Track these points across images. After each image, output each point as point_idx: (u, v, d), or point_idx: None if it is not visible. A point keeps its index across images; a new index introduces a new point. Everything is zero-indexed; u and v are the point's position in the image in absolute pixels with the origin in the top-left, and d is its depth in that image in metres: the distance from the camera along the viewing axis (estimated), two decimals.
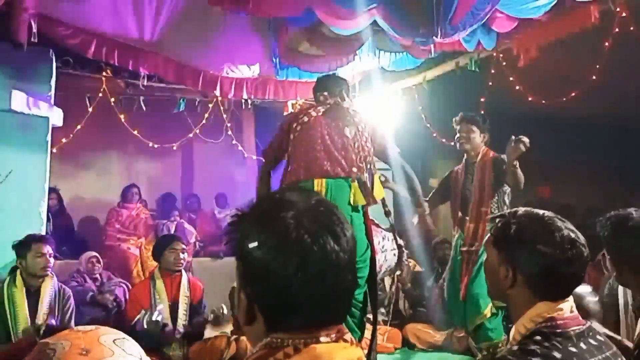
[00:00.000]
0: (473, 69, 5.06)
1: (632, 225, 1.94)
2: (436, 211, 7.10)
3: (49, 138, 4.52)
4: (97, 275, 4.98)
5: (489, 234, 1.45)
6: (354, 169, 2.99)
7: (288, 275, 0.84)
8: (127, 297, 4.67)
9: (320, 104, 3.21)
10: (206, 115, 6.36)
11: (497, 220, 1.43)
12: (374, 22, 3.71)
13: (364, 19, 3.63)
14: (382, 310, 5.38)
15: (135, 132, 6.08)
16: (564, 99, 4.67)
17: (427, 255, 5.60)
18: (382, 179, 3.40)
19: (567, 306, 1.32)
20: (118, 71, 5.28)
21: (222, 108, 6.50)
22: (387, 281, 5.41)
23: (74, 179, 6.69)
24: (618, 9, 3.84)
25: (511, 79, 4.93)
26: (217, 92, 5.26)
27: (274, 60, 4.73)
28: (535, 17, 3.78)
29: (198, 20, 4.18)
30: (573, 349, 1.23)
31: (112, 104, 5.70)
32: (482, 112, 4.54)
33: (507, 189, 3.69)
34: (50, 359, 0.96)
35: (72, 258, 5.35)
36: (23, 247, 3.54)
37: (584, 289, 2.36)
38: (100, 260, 5.09)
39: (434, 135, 6.10)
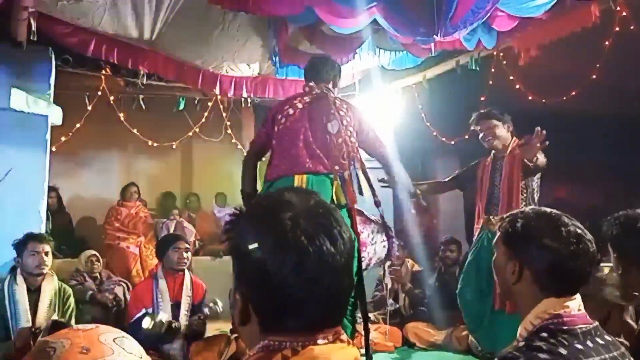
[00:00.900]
0: (473, 67, 5.06)
1: None
2: (440, 211, 7.08)
3: (48, 136, 4.51)
4: (97, 274, 4.99)
5: (498, 233, 1.47)
6: (336, 167, 2.93)
7: (284, 277, 0.84)
8: (127, 295, 4.68)
9: (306, 93, 3.14)
10: (206, 114, 6.37)
11: (506, 218, 1.45)
12: (374, 21, 3.70)
13: (364, 18, 3.62)
14: (382, 310, 5.39)
15: (135, 131, 6.08)
16: (565, 98, 4.67)
17: (428, 253, 5.60)
18: (386, 177, 3.36)
19: (575, 304, 1.32)
20: (117, 70, 5.27)
21: (221, 107, 6.51)
22: (387, 280, 5.41)
23: (73, 178, 6.69)
24: (618, 8, 3.84)
25: (511, 77, 4.93)
26: (217, 91, 5.26)
27: (274, 58, 4.72)
28: (536, 15, 3.77)
29: (198, 18, 4.17)
30: (579, 347, 1.23)
31: (112, 102, 5.70)
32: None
33: (535, 184, 3.50)
34: (51, 358, 0.95)
35: (72, 257, 5.36)
36: (20, 245, 3.53)
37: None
38: (100, 259, 5.09)
39: (434, 134, 6.10)
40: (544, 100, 4.87)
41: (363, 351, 2.88)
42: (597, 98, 4.83)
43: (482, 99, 5.09)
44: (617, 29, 3.93)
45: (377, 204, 3.17)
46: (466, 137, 5.33)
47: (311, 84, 3.18)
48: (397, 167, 3.30)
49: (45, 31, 3.91)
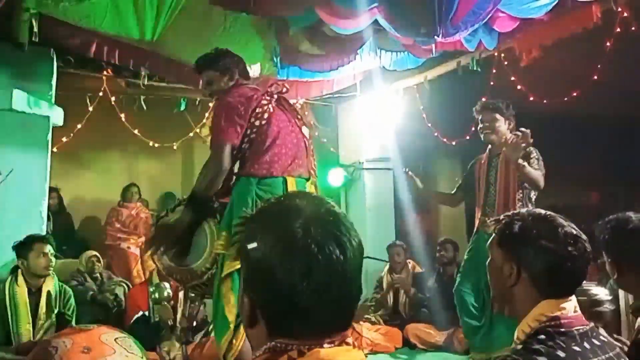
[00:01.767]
0: (474, 68, 5.06)
1: (632, 227, 1.94)
2: (442, 212, 7.07)
3: (49, 137, 4.51)
4: (98, 275, 4.99)
5: (492, 235, 1.46)
6: (312, 171, 2.91)
7: (292, 283, 0.84)
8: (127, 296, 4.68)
9: (269, 94, 2.97)
10: (207, 114, 6.36)
11: (501, 219, 1.44)
12: (375, 22, 3.70)
13: (365, 19, 3.62)
14: (382, 310, 5.39)
15: (136, 132, 6.07)
16: (566, 99, 4.67)
17: (429, 254, 5.60)
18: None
19: (571, 305, 1.32)
20: (119, 70, 5.28)
21: None
22: (386, 280, 5.41)
23: (74, 179, 6.69)
24: (620, 9, 3.84)
25: (512, 78, 4.92)
26: None
27: (275, 59, 4.72)
28: (537, 16, 3.77)
29: (199, 19, 4.17)
30: (577, 349, 1.23)
31: (113, 103, 5.69)
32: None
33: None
34: (52, 357, 0.96)
35: (73, 257, 5.35)
36: (24, 247, 3.54)
37: (603, 293, 2.38)
38: (101, 259, 5.09)
39: (436, 135, 6.10)
40: (545, 101, 4.87)
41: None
42: (599, 99, 4.83)
43: (484, 99, 5.08)
44: (619, 29, 3.94)
45: None
46: (467, 137, 5.33)
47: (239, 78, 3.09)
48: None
49: (47, 32, 3.91)
